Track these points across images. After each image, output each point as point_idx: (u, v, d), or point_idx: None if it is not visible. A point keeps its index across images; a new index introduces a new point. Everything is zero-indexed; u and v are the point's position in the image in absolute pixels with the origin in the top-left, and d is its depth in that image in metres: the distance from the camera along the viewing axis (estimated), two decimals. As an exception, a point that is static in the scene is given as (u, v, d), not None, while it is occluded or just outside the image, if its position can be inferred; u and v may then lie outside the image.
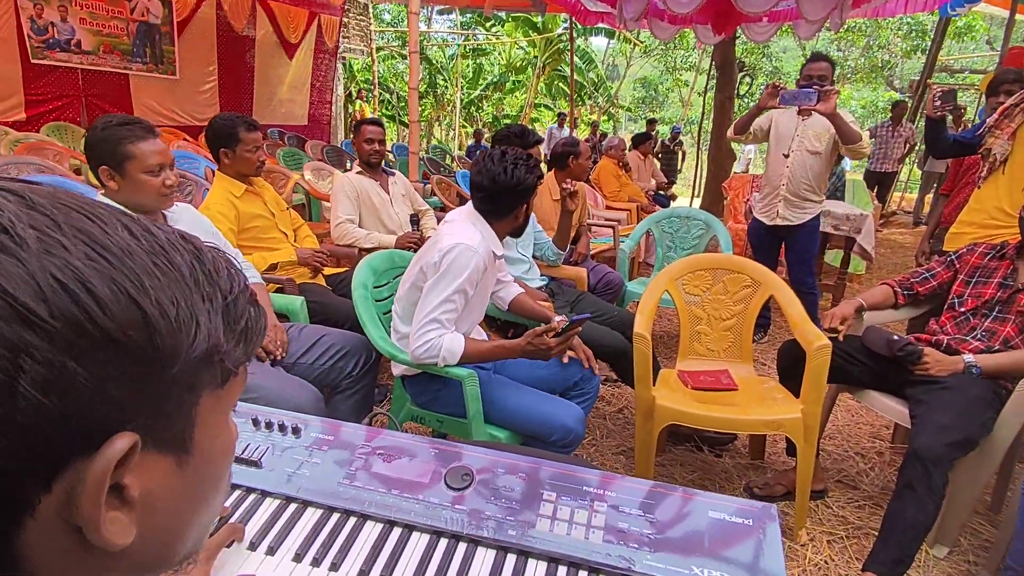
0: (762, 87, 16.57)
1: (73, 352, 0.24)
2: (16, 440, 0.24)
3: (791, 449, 2.17)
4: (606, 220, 4.24)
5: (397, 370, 1.79)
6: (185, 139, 6.11)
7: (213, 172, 4.36)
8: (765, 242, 3.29)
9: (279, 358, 1.76)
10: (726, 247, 3.15)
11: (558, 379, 1.88)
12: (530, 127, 2.37)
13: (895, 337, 1.90)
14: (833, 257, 4.58)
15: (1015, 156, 2.19)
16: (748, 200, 4.71)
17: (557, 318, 1.98)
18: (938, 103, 2.28)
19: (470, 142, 11.11)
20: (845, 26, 14.13)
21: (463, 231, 1.63)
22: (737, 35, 8.79)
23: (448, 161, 8.62)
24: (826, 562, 1.75)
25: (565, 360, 1.87)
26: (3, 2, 5.41)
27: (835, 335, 1.96)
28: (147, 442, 0.28)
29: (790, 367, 2.00)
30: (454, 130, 14.96)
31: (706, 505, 0.88)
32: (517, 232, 1.77)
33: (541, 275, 2.55)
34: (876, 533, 1.68)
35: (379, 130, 2.86)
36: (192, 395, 0.31)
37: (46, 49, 5.85)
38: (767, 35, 6.74)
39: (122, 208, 0.30)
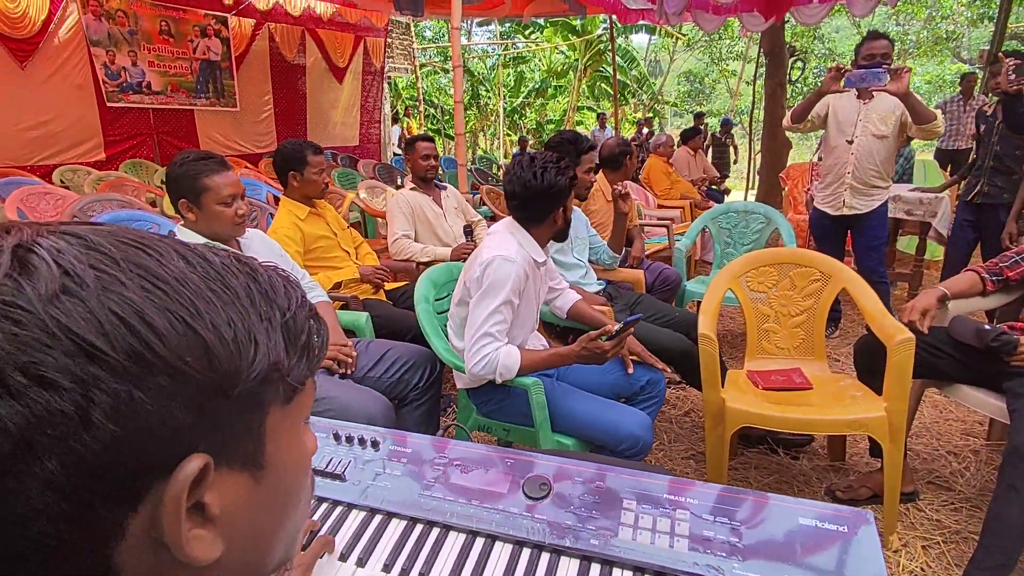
0: (815, 70, 15.89)
1: (137, 382, 0.26)
2: (97, 467, 0.25)
3: (874, 449, 2.06)
4: (659, 219, 4.16)
5: (461, 382, 1.82)
6: (247, 167, 6.44)
7: (275, 198, 4.57)
8: (830, 232, 3.15)
9: (349, 372, 1.82)
10: (789, 240, 3.03)
11: (623, 384, 1.86)
12: (582, 133, 2.36)
13: (986, 327, 1.77)
14: (907, 244, 4.33)
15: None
16: (809, 190, 4.52)
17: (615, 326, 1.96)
18: (1012, 76, 2.13)
19: (515, 150, 11.17)
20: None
21: (501, 243, 1.65)
22: (786, 19, 8.48)
23: (495, 170, 8.70)
24: (922, 569, 1.65)
25: (630, 371, 1.84)
26: (78, 52, 5.87)
27: (917, 328, 1.85)
28: (220, 461, 0.30)
29: (869, 363, 1.90)
30: (498, 139, 15.10)
31: (795, 511, 0.84)
32: (560, 236, 1.76)
33: (598, 279, 2.53)
34: (975, 537, 1.57)
35: (432, 146, 2.93)
36: (259, 413, 0.32)
37: (120, 92, 6.30)
38: (819, 17, 6.48)
39: (180, 240, 0.32)
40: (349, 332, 2.09)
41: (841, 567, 0.77)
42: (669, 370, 2.33)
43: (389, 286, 2.63)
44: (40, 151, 5.71)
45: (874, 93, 2.90)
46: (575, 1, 7.25)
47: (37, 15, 5.48)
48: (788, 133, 7.43)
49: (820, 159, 3.56)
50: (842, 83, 2.73)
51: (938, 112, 2.72)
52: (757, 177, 8.04)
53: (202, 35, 6.98)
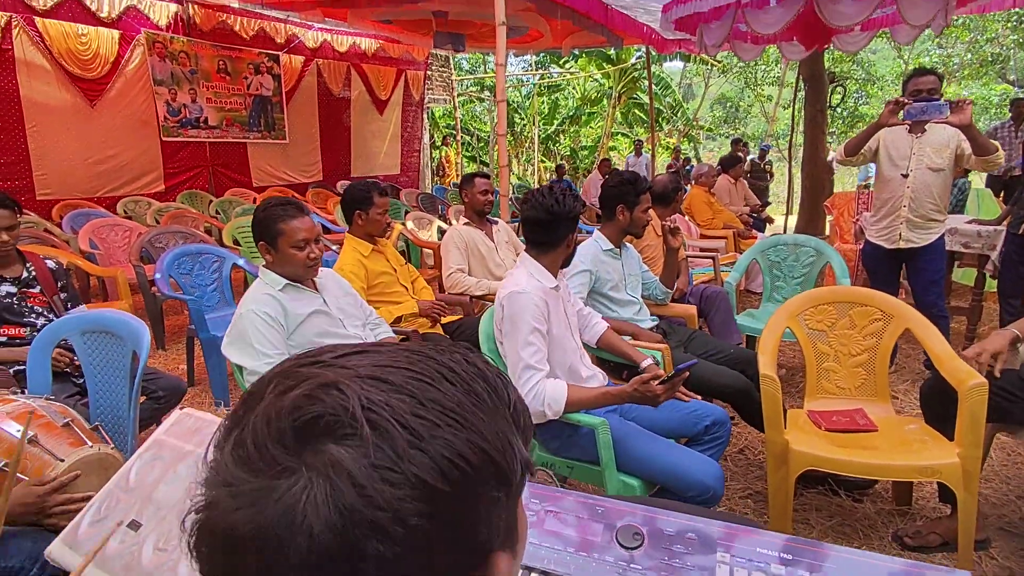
0: (855, 95, 15.68)
1: (462, 506, 0.32)
2: (433, 566, 0.31)
3: (944, 494, 2.01)
4: (703, 250, 4.17)
5: (525, 418, 1.86)
6: (295, 196, 6.70)
7: (323, 227, 4.74)
8: (884, 266, 3.11)
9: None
10: (842, 275, 3.00)
11: (689, 423, 1.87)
12: (639, 174, 2.42)
13: (1061, 371, 1.73)
14: (962, 276, 4.22)
15: None
16: (857, 220, 4.47)
17: (645, 362, 1.98)
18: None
19: (552, 177, 11.29)
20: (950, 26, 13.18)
21: (512, 279, 1.75)
22: (827, 47, 8.44)
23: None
24: (1001, 623, 1.60)
25: (686, 400, 1.86)
26: (143, 91, 6.25)
27: (989, 371, 1.82)
28: (502, 547, 0.36)
29: (939, 407, 1.87)
30: (532, 165, 15.30)
31: (892, 570, 0.85)
32: (568, 262, 1.87)
33: (652, 315, 2.56)
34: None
35: (489, 182, 3.05)
36: (515, 502, 0.37)
37: (179, 128, 6.66)
38: (861, 44, 6.43)
39: (421, 350, 0.37)
40: (412, 367, 2.16)
41: (945, 630, 0.78)
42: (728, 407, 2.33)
43: (444, 320, 2.71)
44: (106, 184, 6.06)
45: (926, 127, 2.89)
46: (613, 33, 7.39)
47: (107, 57, 5.87)
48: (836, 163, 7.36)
49: (866, 187, 3.51)
50: (900, 116, 2.72)
51: (998, 144, 2.69)
52: (797, 203, 7.94)
53: (256, 72, 7.34)
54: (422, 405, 0.33)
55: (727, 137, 13.54)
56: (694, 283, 3.44)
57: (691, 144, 15.84)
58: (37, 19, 5.33)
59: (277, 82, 7.60)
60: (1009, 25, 12.72)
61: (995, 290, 3.79)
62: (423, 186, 10.13)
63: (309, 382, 0.33)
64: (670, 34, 7.18)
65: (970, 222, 3.61)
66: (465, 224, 3.04)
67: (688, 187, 5.64)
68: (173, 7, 6.35)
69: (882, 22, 5.99)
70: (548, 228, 1.75)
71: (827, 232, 6.41)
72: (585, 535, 0.97)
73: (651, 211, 3.10)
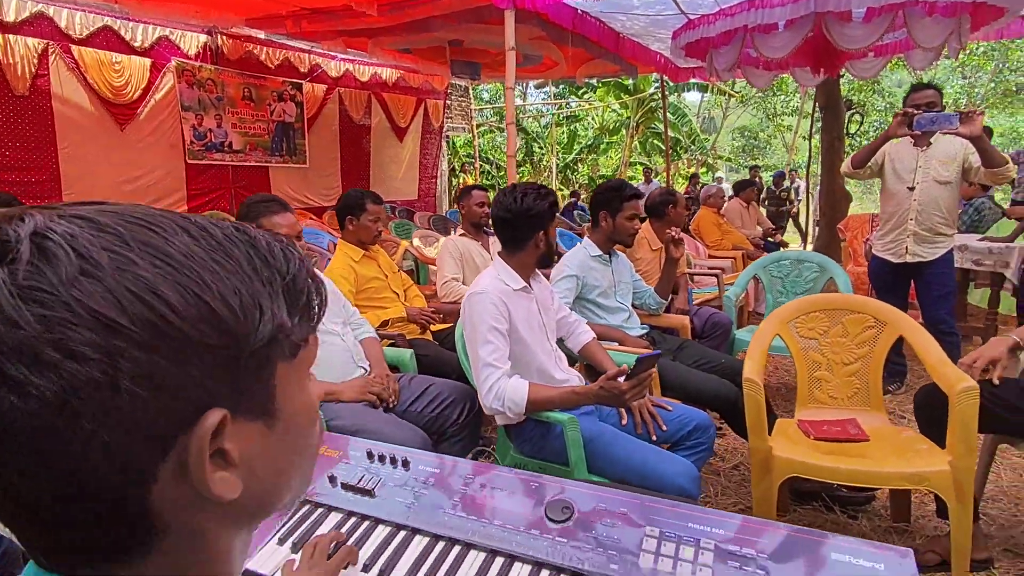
0: (874, 124, 15.53)
1: (157, 350, 0.29)
2: (130, 424, 0.29)
3: (942, 510, 1.90)
4: (709, 268, 4.11)
5: (500, 419, 1.83)
6: (312, 218, 6.86)
7: (335, 245, 4.84)
8: (890, 282, 3.03)
9: (391, 405, 1.87)
10: (845, 289, 2.93)
11: (671, 429, 1.82)
12: (627, 182, 2.43)
13: (1061, 378, 1.65)
14: (980, 298, 4.08)
15: None
16: (868, 240, 4.37)
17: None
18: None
19: (567, 202, 11.37)
20: (969, 51, 13.06)
21: (476, 282, 1.75)
22: (842, 73, 8.42)
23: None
24: (1000, 645, 1.48)
25: (668, 409, 1.81)
26: (171, 116, 6.53)
27: (985, 377, 1.73)
28: (236, 414, 0.33)
29: (931, 414, 1.78)
30: (552, 194, 15.44)
31: (828, 547, 0.81)
32: (544, 262, 1.82)
33: (642, 324, 2.52)
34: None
35: (485, 195, 3.09)
36: (267, 370, 0.35)
37: (205, 151, 6.91)
38: (875, 70, 6.39)
39: (182, 214, 0.35)
40: (393, 367, 2.16)
41: (876, 606, 0.73)
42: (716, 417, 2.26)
43: (436, 327, 2.71)
44: (132, 202, 6.28)
45: (932, 140, 2.84)
46: (626, 62, 7.50)
47: (138, 84, 6.16)
48: (848, 185, 7.27)
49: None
50: (911, 127, 2.68)
51: (1007, 156, 2.63)
52: (815, 230, 7.83)
53: (279, 99, 7.61)
54: (125, 244, 0.30)
55: (747, 167, 13.47)
56: (695, 302, 3.39)
57: (710, 173, 15.81)
58: (73, 47, 5.64)
59: (300, 109, 7.86)
60: (1035, 54, 12.56)
61: (1013, 313, 3.65)
62: (440, 211, 10.28)
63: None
64: (683, 62, 7.24)
65: (982, 239, 3.51)
66: (462, 235, 3.07)
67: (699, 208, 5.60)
68: (203, 38, 6.66)
69: (895, 48, 5.96)
70: (510, 227, 1.75)
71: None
72: (515, 509, 0.95)
73: (647, 227, 3.10)
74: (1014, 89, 13.65)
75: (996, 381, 1.74)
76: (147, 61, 6.23)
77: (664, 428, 1.75)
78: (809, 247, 8.13)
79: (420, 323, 2.56)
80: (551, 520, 0.91)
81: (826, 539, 0.82)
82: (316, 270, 0.41)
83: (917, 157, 2.88)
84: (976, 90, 14.38)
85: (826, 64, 6.12)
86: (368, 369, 1.98)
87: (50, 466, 0.29)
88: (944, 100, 2.84)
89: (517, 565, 0.86)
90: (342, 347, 1.91)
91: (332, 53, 7.80)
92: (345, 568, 0.88)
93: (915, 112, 2.67)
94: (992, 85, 14.00)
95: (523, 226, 1.74)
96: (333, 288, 2.10)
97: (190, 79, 6.68)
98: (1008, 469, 2.32)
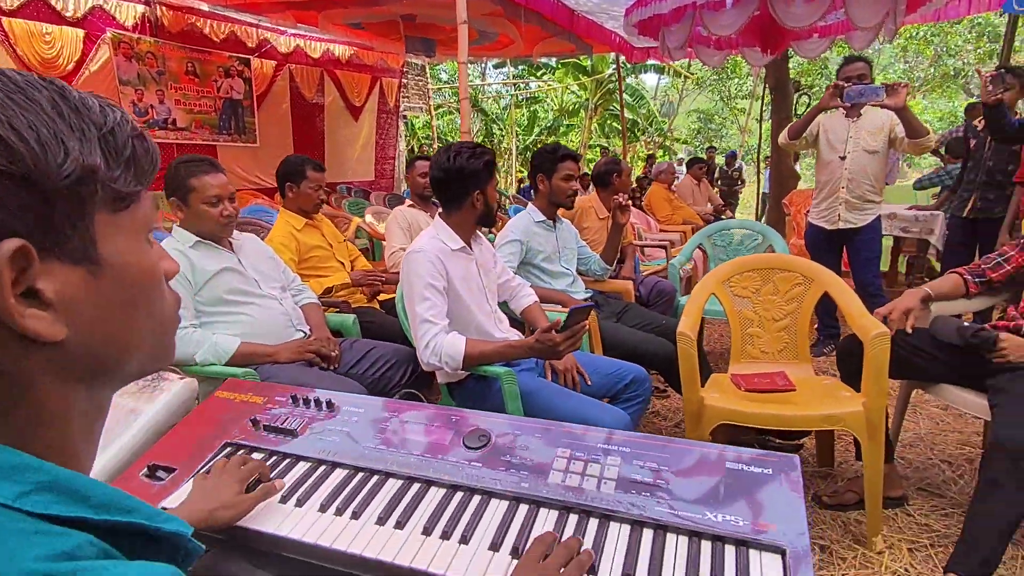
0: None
1: None
2: None
3: (861, 453, 2.02)
4: (659, 241, 4.20)
5: (442, 378, 1.85)
6: (263, 198, 6.68)
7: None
8: (825, 247, 3.16)
9: (334, 368, 1.87)
10: (782, 252, 3.04)
11: (609, 382, 1.87)
12: (561, 144, 2.45)
13: (966, 324, 1.76)
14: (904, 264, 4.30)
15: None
16: (808, 213, 4.54)
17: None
18: (991, 87, 2.17)
19: (525, 184, 11.39)
20: (909, 35, 13.58)
21: (414, 243, 1.74)
22: (790, 55, 8.65)
23: (505, 204, 8.87)
24: (906, 570, 1.60)
25: (598, 353, 1.86)
26: (109, 90, 6.20)
27: (899, 326, 1.85)
28: (48, 253, 0.34)
29: (851, 363, 1.89)
30: (511, 175, 15.41)
31: (724, 457, 0.86)
32: (485, 220, 1.81)
33: (587, 288, 2.57)
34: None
35: (429, 164, 3.04)
36: (79, 211, 0.35)
37: (147, 128, 6.62)
38: (819, 50, 6.60)
39: None
40: (336, 333, 2.14)
41: (762, 505, 0.78)
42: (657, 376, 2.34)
43: (384, 297, 2.69)
44: (68, 182, 5.98)
45: (862, 112, 2.97)
46: (582, 41, 7.51)
47: (70, 56, 5.84)
48: (799, 166, 7.51)
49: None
50: (841, 99, 2.79)
51: (929, 128, 2.77)
52: (765, 209, 8.07)
53: (226, 75, 7.34)
54: None
55: (705, 149, 13.76)
56: (643, 274, 3.47)
57: (667, 155, 16.06)
58: (4, 19, 5.31)
59: (248, 85, 7.60)
60: (971, 39, 13.14)
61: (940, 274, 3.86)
62: (398, 192, 10.15)
63: None
64: (638, 41, 7.30)
65: (909, 208, 3.69)
66: (410, 206, 3.05)
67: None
68: (140, 8, 6.35)
69: (837, 29, 6.15)
70: (446, 186, 1.75)
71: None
72: (435, 440, 0.97)
73: (595, 196, 3.15)
74: (952, 73, 14.29)
75: (909, 330, 1.86)
76: (80, 32, 5.90)
77: (589, 381, 1.79)
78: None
79: (365, 286, 2.54)
80: (468, 447, 0.94)
81: (724, 450, 0.87)
82: (149, 135, 0.41)
83: (848, 128, 3.01)
84: (917, 74, 15.00)
85: (773, 44, 6.27)
86: (308, 333, 1.96)
87: None
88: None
89: (433, 489, 0.89)
90: (280, 310, 1.89)
91: (281, 28, 7.55)
92: (256, 489, 0.88)
93: (845, 85, 2.78)
94: (932, 69, 14.62)
95: (459, 185, 1.73)
96: (272, 254, 2.07)
97: (128, 52, 6.37)
98: (926, 418, 2.48)
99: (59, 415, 0.37)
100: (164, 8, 6.52)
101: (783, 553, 0.72)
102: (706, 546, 0.74)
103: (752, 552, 0.73)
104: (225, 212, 1.79)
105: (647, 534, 0.77)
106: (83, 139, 0.35)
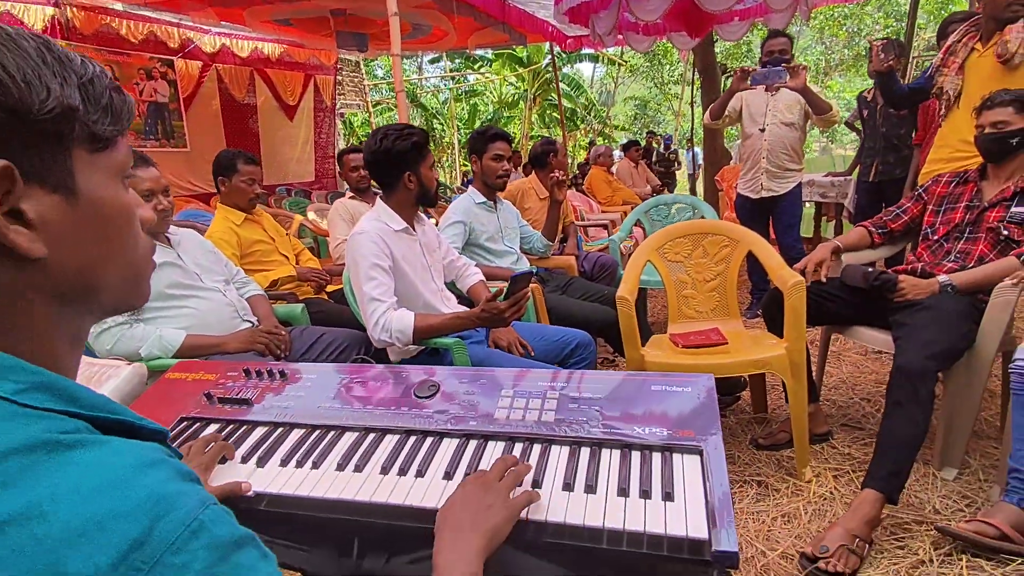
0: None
1: None
2: None
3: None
4: (600, 221, 4.35)
5: (394, 355, 1.89)
6: (197, 203, 6.46)
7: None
8: (752, 215, 3.37)
9: (283, 356, 1.88)
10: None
11: (556, 349, 1.96)
12: (493, 126, 2.53)
13: (869, 269, 1.95)
14: (831, 230, 4.60)
15: (967, 88, 2.26)
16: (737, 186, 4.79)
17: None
18: (882, 55, 2.38)
19: (470, 178, 11.42)
20: (825, 16, 14.33)
21: (357, 225, 1.78)
22: (715, 39, 9.01)
23: (447, 194, 8.88)
24: (831, 494, 1.77)
25: (544, 322, 1.95)
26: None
27: (816, 279, 2.02)
28: (31, 177, 0.39)
29: (774, 312, 2.05)
30: (456, 169, 15.40)
31: (649, 383, 0.95)
32: (424, 200, 1.84)
33: (531, 265, 2.65)
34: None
35: (360, 156, 3.05)
36: (59, 144, 0.40)
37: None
38: (740, 33, 6.88)
39: None
40: (285, 323, 2.15)
41: (683, 416, 0.88)
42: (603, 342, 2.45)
43: (332, 288, 2.70)
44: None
45: (778, 88, 3.18)
46: (515, 31, 7.59)
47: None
48: (728, 145, 7.85)
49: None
50: (748, 81, 3.01)
51: (834, 103, 3.01)
52: (701, 189, 8.40)
53: (148, 77, 7.03)
54: None
55: (645, 134, 14.15)
56: (587, 252, 3.59)
57: (607, 142, 16.42)
58: None
59: (173, 88, 7.31)
60: (880, 17, 14.02)
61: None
62: (341, 189, 9.99)
63: None
64: (570, 30, 7.44)
65: (826, 175, 3.97)
66: (351, 198, 3.05)
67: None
68: (49, 10, 6.01)
69: (756, 11, 6.47)
70: (379, 168, 1.78)
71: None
72: (387, 395, 1.02)
73: (534, 178, 3.24)
74: (863, 53, 15.22)
75: (824, 279, 2.04)
76: (-17, 37, 5.55)
77: (532, 352, 1.87)
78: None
79: (311, 281, 2.54)
80: (419, 397, 1.00)
81: (647, 377, 0.96)
82: (125, 91, 0.46)
83: (767, 102, 3.22)
84: (833, 55, 15.89)
85: (697, 28, 6.52)
86: (256, 324, 1.96)
87: None
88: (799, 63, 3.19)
89: (388, 437, 0.94)
90: (224, 302, 1.89)
91: (205, 27, 7.29)
92: (223, 462, 0.92)
93: (752, 69, 3.01)
94: (846, 51, 15.52)
95: (390, 167, 1.76)
96: (212, 247, 2.05)
97: (38, 56, 6.01)
98: (849, 364, 2.70)
99: (47, 333, 0.42)
100: (75, 9, 6.19)
101: (700, 452, 0.82)
102: (635, 455, 0.83)
103: (675, 456, 0.83)
104: (159, 206, 1.77)
105: (584, 452, 0.85)
106: (64, 83, 0.40)
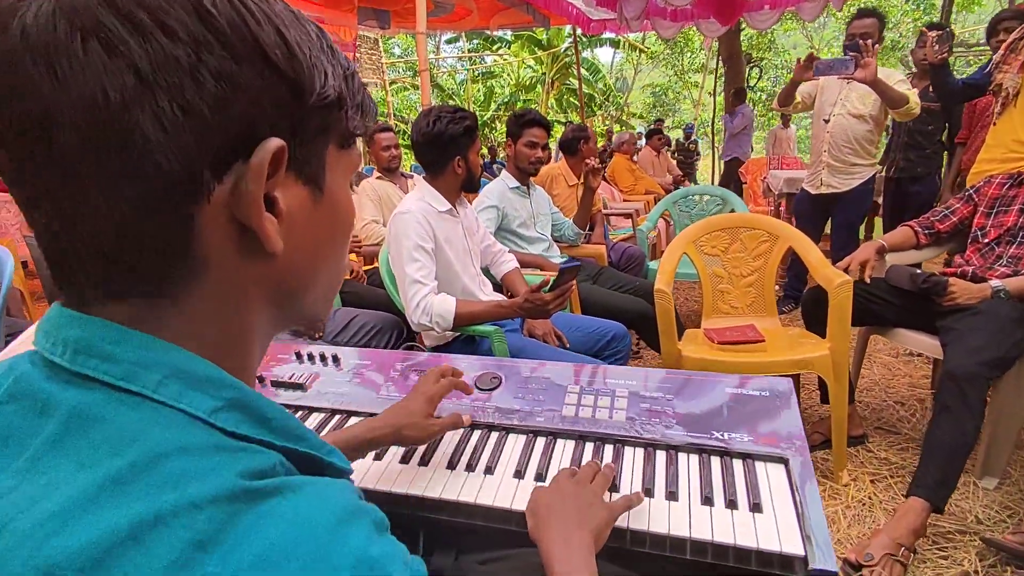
0: (772, 79, 16.44)
1: (238, 57, 0.31)
2: (199, 120, 0.30)
3: (825, 397, 2.16)
4: (624, 210, 4.29)
5: (429, 341, 1.86)
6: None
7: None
8: (808, 211, 3.20)
9: (317, 338, 1.86)
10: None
11: (591, 340, 1.93)
12: (530, 108, 2.47)
13: (918, 271, 1.90)
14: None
15: (1026, 87, 2.18)
16: (765, 178, 4.71)
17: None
18: (936, 47, 2.29)
19: (486, 159, 11.33)
20: (855, 7, 14.00)
21: (401, 204, 1.73)
22: (742, 27, 8.83)
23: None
24: (869, 498, 1.74)
25: (577, 312, 1.91)
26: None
27: (858, 278, 1.97)
28: (290, 163, 0.35)
29: (815, 311, 2.00)
30: (470, 152, 15.29)
31: (723, 384, 0.92)
32: (469, 186, 1.81)
33: (562, 254, 2.61)
34: (920, 468, 1.66)
35: (392, 136, 3.00)
36: (324, 137, 0.37)
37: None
38: (770, 22, 6.76)
39: None
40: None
41: (762, 422, 0.84)
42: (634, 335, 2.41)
43: (367, 267, 2.68)
44: None
45: None
46: (539, 12, 7.46)
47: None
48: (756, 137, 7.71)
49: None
50: (812, 72, 2.79)
51: (911, 94, 2.72)
52: (719, 178, 8.29)
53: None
54: None
55: (654, 120, 13.98)
56: (612, 241, 3.54)
57: (624, 129, 16.24)
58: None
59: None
60: (907, 12, 13.70)
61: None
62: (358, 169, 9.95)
63: None
64: (595, 13, 7.31)
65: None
66: (378, 178, 3.01)
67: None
68: None
69: (787, 0, 6.34)
70: (428, 150, 1.73)
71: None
72: (446, 385, 0.99)
73: (563, 164, 3.18)
74: (890, 46, 14.88)
75: (867, 279, 1.98)
76: None
77: (567, 344, 1.84)
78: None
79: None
80: (481, 389, 0.97)
81: (720, 378, 0.93)
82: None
83: (840, 90, 3.00)
84: (859, 47, 15.51)
85: (728, 14, 6.39)
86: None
87: (125, 168, 0.30)
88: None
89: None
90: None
91: None
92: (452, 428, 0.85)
93: (817, 57, 2.79)
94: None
95: (439, 150, 1.72)
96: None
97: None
98: (880, 365, 2.65)
99: (250, 336, 0.38)
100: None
101: (785, 462, 0.78)
102: (715, 461, 0.80)
103: (758, 464, 0.79)
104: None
105: (660, 455, 0.82)
106: (335, 73, 0.37)
